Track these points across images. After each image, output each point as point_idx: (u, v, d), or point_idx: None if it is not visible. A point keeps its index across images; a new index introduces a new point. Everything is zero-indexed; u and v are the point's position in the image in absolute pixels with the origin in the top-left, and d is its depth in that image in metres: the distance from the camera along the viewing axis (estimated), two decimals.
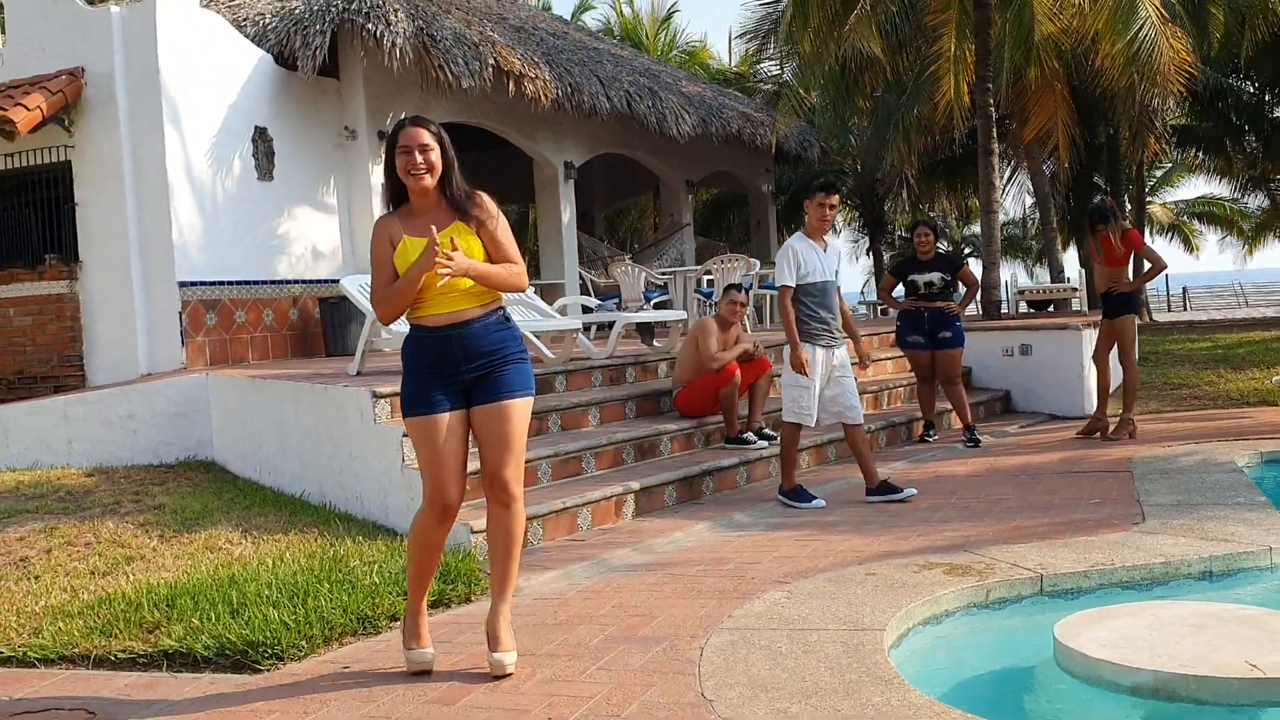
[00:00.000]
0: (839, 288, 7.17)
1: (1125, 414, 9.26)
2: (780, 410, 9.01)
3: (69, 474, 7.70)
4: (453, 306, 3.93)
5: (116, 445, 8.42)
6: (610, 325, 9.57)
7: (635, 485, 6.87)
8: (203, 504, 6.81)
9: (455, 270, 3.80)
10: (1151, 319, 23.76)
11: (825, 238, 7.09)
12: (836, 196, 7.07)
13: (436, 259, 3.75)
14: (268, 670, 4.20)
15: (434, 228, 3.84)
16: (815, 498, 7.00)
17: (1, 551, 5.86)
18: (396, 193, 4.03)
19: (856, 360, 7.36)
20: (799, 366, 6.84)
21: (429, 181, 3.92)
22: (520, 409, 4.00)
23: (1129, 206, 22.45)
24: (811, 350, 6.91)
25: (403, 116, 4.08)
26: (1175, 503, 6.36)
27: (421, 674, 3.99)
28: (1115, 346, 9.25)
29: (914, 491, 7.01)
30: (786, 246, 6.99)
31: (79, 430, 8.51)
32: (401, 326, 4.30)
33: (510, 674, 3.94)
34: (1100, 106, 17.33)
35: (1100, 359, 9.39)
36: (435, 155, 3.92)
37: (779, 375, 9.47)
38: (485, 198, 4.05)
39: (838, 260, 7.12)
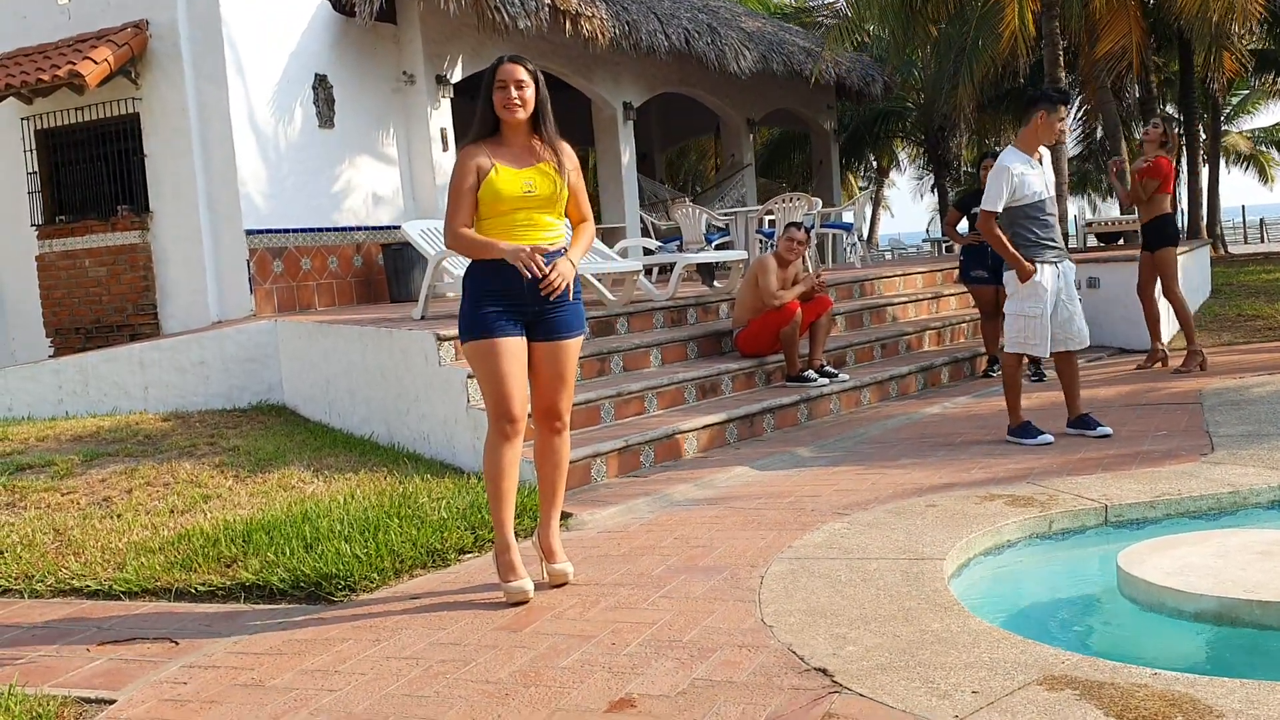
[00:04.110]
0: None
1: (1190, 346, 9.11)
2: (841, 348, 9.04)
3: (146, 418, 7.93)
4: (528, 242, 4.10)
5: (190, 390, 8.65)
6: (671, 267, 9.57)
7: (696, 423, 6.93)
8: (275, 445, 6.98)
9: (561, 285, 4.04)
10: (1226, 250, 23.13)
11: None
12: (1064, 109, 6.84)
13: (531, 269, 3.97)
14: (341, 601, 4.34)
15: (539, 257, 3.99)
16: (1043, 433, 6.55)
17: (86, 492, 6.08)
18: (488, 125, 4.18)
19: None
20: (1028, 278, 6.48)
21: (523, 115, 4.12)
22: (576, 347, 4.29)
23: (1203, 136, 21.79)
24: (1041, 270, 6.51)
25: (501, 56, 4.24)
26: (1245, 434, 6.27)
27: (521, 603, 4.07)
28: (1159, 279, 9.31)
29: (1110, 431, 6.57)
30: (1000, 167, 6.66)
31: (154, 376, 8.75)
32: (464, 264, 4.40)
33: (570, 581, 4.27)
34: (1171, 31, 16.78)
35: (1144, 291, 9.52)
36: (530, 92, 4.11)
37: (839, 314, 9.47)
38: (568, 148, 4.26)
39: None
